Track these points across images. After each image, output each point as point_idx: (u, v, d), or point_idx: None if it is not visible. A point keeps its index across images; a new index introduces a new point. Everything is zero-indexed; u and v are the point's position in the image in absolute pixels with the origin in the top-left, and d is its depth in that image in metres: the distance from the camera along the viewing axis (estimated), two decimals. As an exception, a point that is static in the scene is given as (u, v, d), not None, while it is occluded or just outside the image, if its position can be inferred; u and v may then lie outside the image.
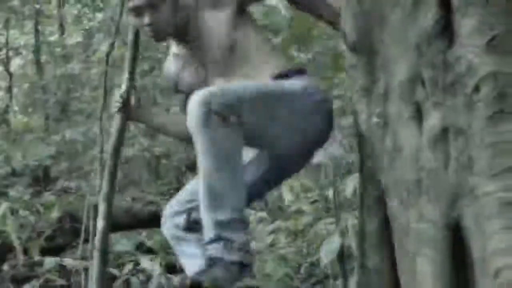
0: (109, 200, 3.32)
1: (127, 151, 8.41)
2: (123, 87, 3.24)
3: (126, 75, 3.29)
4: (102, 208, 3.29)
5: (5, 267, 4.49)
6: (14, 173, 7.77)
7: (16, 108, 13.82)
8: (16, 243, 4.29)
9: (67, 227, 4.54)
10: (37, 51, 12.75)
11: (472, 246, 1.94)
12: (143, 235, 5.95)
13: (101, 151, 3.78)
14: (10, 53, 13.68)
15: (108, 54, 4.23)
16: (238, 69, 2.82)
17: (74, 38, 12.99)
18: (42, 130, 10.82)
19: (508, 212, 1.85)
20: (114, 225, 5.18)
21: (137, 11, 2.81)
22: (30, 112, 13.37)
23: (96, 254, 3.29)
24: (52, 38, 13.54)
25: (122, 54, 9.87)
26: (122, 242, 5.43)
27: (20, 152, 7.55)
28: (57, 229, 4.82)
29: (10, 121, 12.39)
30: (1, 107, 13.00)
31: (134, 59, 3.43)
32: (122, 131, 3.25)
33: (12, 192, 5.86)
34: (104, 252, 3.30)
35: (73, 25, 13.56)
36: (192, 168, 8.49)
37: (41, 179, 7.37)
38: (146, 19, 2.79)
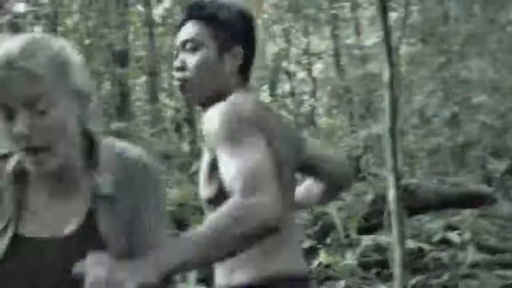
0: (397, 174, 3.67)
1: (432, 141, 8.70)
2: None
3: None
4: (392, 192, 3.67)
5: (328, 241, 5.15)
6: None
7: (320, 110, 14.77)
8: (337, 222, 4.92)
9: (380, 209, 5.01)
10: (336, 54, 13.50)
11: None
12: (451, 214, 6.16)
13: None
14: (312, 59, 14.66)
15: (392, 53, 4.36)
16: None
17: (370, 39, 13.32)
18: (347, 128, 11.45)
19: None
20: (424, 206, 5.60)
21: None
22: (335, 113, 14.10)
23: (394, 233, 3.66)
24: (349, 41, 14.18)
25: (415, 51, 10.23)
26: (432, 221, 5.81)
27: (331, 148, 8.26)
28: (371, 210, 5.36)
29: (317, 123, 13.30)
30: (308, 110, 14.00)
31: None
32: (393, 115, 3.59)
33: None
34: (401, 232, 3.63)
35: (368, 26, 14.17)
36: (497, 154, 8.54)
37: (354, 168, 7.93)
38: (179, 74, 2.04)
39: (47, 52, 1.33)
